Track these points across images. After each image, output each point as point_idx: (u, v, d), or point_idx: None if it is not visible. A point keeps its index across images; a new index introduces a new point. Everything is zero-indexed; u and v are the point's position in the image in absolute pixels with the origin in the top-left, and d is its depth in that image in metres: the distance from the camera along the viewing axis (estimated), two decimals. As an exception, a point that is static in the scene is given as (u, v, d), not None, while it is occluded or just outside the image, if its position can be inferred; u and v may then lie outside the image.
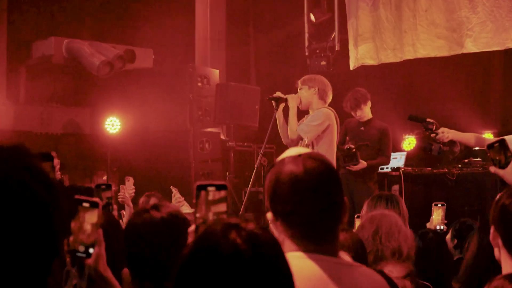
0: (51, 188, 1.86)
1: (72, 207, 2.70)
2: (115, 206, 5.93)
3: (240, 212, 9.16)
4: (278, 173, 3.02)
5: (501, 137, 4.61)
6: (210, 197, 3.09)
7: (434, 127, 7.22)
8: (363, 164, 10.20)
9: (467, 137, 7.15)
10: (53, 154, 7.14)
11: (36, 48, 15.83)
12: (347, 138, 10.21)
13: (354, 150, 9.76)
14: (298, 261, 2.84)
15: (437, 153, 7.40)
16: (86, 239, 3.21)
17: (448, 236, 6.92)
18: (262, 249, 2.10)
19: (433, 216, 7.05)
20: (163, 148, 14.53)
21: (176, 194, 8.56)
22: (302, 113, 9.55)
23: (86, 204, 3.22)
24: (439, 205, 7.00)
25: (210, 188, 3.14)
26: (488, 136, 13.07)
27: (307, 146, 8.87)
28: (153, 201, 9.08)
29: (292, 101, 9.02)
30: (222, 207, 3.09)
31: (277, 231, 3.01)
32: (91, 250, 3.19)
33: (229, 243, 2.08)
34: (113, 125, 15.01)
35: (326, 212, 2.98)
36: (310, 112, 9.29)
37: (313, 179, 2.95)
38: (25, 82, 16.09)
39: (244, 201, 9.49)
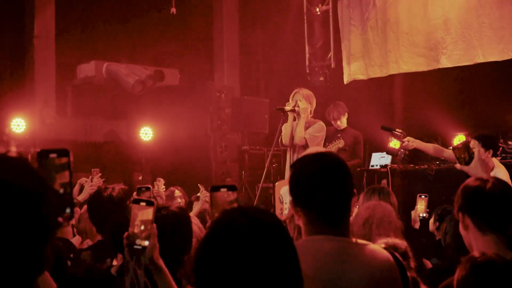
0: (40, 184, 1.88)
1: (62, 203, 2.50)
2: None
3: (254, 203, 9.35)
4: (301, 168, 3.17)
5: (465, 140, 4.78)
6: (225, 197, 3.33)
7: (402, 136, 7.49)
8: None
9: (428, 147, 7.34)
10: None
11: (80, 70, 15.87)
12: (326, 143, 10.19)
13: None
14: (317, 243, 3.05)
15: (402, 159, 7.56)
16: (141, 233, 3.30)
17: (431, 220, 7.08)
18: (264, 226, 2.15)
19: (417, 206, 7.22)
20: (188, 152, 14.60)
21: (203, 190, 8.78)
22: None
23: (143, 203, 3.33)
24: (423, 196, 7.17)
25: (222, 189, 3.42)
26: (461, 137, 13.33)
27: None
28: (176, 193, 9.32)
29: (304, 112, 9.27)
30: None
31: (297, 216, 3.14)
32: (146, 243, 3.28)
33: (237, 224, 2.13)
34: (146, 133, 15.15)
35: (339, 201, 3.09)
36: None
37: (328, 174, 3.09)
38: (71, 99, 16.16)
39: (257, 195, 9.67)
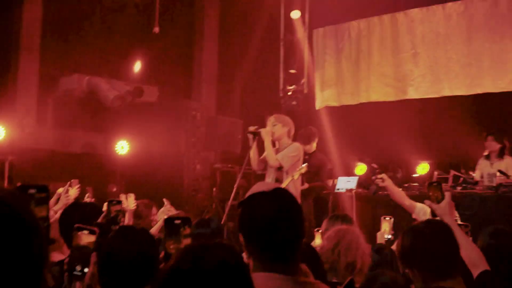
0: (31, 220, 1.74)
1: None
2: (122, 219, 6.12)
3: (222, 220, 9.30)
4: (252, 206, 3.05)
5: (439, 181, 4.77)
6: (181, 230, 3.34)
7: (377, 171, 7.48)
8: (305, 185, 10.57)
9: (395, 191, 7.34)
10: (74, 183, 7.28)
11: (63, 83, 15.89)
12: None
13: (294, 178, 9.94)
14: (261, 280, 2.84)
15: (373, 193, 7.54)
16: (82, 260, 3.30)
17: (393, 247, 7.06)
18: (230, 271, 2.11)
19: (382, 228, 7.25)
20: (162, 167, 14.50)
21: (167, 205, 8.69)
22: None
23: (85, 232, 3.37)
24: (387, 218, 7.07)
25: (177, 221, 3.37)
26: (424, 166, 13.38)
27: (286, 172, 9.15)
28: (153, 211, 9.25)
29: (266, 135, 9.13)
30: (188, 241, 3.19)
31: (246, 251, 3.04)
32: (85, 270, 3.29)
33: (199, 267, 2.07)
34: (122, 147, 15.16)
35: (288, 239, 2.98)
36: (277, 144, 9.52)
37: (279, 213, 2.97)
38: (52, 110, 16.13)
39: (226, 212, 9.65)
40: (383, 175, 7.29)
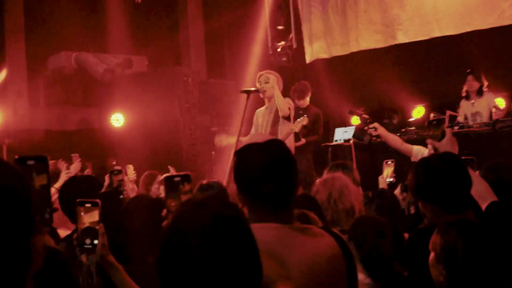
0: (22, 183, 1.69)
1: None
2: (126, 187, 6.10)
3: (225, 181, 9.27)
4: (245, 157, 3.05)
5: (440, 118, 4.73)
6: (181, 186, 3.24)
7: (368, 121, 7.42)
8: (302, 141, 10.57)
9: (389, 137, 7.29)
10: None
11: (51, 62, 15.88)
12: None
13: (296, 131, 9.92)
14: (261, 230, 2.72)
15: (367, 143, 7.49)
16: (90, 233, 3.32)
17: (397, 191, 7.02)
18: (224, 223, 2.12)
19: (384, 171, 7.22)
20: (159, 135, 14.41)
21: (173, 172, 8.66)
22: (259, 104, 9.81)
23: (88, 205, 3.35)
24: (389, 162, 7.07)
25: (176, 179, 3.34)
26: (420, 109, 13.33)
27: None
28: (158, 178, 9.24)
29: (275, 83, 9.27)
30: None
31: (241, 201, 3.03)
32: (95, 242, 3.30)
33: (195, 221, 2.09)
34: (117, 120, 15.11)
35: (285, 190, 2.98)
36: (266, 102, 9.55)
37: (272, 164, 2.95)
38: (43, 89, 16.11)
39: (227, 176, 9.62)
40: (375, 124, 7.27)
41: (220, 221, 2.12)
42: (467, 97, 11.23)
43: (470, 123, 10.74)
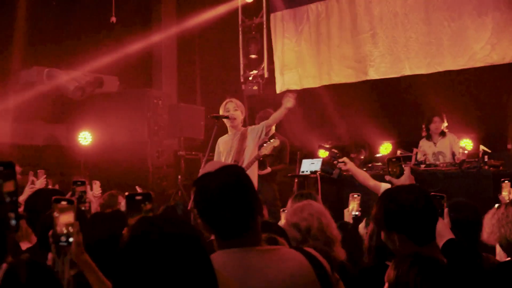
0: None
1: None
2: (87, 199, 6.05)
3: (189, 207, 9.22)
4: (201, 186, 3.02)
5: (398, 155, 4.77)
6: (142, 205, 3.29)
7: (338, 155, 7.42)
8: (268, 170, 10.61)
9: (358, 173, 7.30)
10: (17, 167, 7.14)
11: (22, 76, 15.72)
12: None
13: (261, 159, 9.89)
14: (224, 255, 2.93)
15: (336, 177, 7.51)
16: (65, 230, 3.33)
17: (362, 225, 7.03)
18: (177, 240, 2.12)
19: (350, 205, 7.21)
20: (126, 156, 14.41)
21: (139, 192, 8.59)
22: (222, 132, 9.77)
23: (63, 203, 3.36)
24: (355, 196, 7.04)
25: (138, 197, 3.35)
26: (387, 146, 13.40)
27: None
28: (120, 199, 9.16)
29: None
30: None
31: (204, 230, 3.01)
32: (70, 240, 3.32)
33: (149, 241, 2.08)
34: (85, 138, 14.94)
35: (239, 215, 2.95)
36: (230, 129, 9.48)
37: (226, 190, 2.95)
38: (13, 103, 15.98)
39: (192, 198, 9.55)
40: (345, 159, 7.27)
41: (169, 239, 2.11)
42: (428, 137, 11.35)
43: (431, 162, 10.85)
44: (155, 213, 3.32)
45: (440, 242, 3.80)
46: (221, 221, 2.95)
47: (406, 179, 4.50)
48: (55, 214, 3.37)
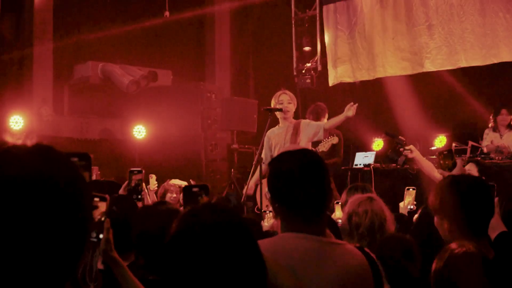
0: (78, 182, 1.65)
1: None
2: (145, 189, 6.04)
3: (242, 199, 9.22)
4: (279, 164, 3.05)
5: (450, 148, 4.68)
6: (199, 198, 3.27)
7: (404, 143, 7.31)
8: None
9: (424, 162, 7.17)
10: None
11: (77, 70, 15.84)
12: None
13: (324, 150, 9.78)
14: (292, 241, 2.93)
15: (402, 164, 7.41)
16: (97, 227, 3.30)
17: (416, 217, 6.97)
18: (225, 225, 2.13)
19: (405, 199, 7.14)
20: (180, 150, 14.46)
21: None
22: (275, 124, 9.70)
23: (96, 199, 3.30)
24: (411, 189, 6.99)
25: (195, 189, 3.32)
26: (442, 139, 13.22)
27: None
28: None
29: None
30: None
31: (275, 211, 3.06)
32: (101, 236, 3.29)
33: (192, 235, 2.09)
34: (139, 132, 15.02)
35: (316, 199, 2.97)
36: (281, 121, 9.48)
37: (305, 171, 2.97)
38: (68, 98, 16.12)
39: (244, 192, 9.55)
40: (411, 146, 7.15)
41: (212, 230, 2.11)
42: (495, 128, 11.19)
43: (493, 155, 10.66)
44: None
45: (493, 234, 3.77)
46: (295, 200, 2.96)
47: (458, 171, 4.41)
48: None
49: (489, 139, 11.20)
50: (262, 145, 9.34)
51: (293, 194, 2.95)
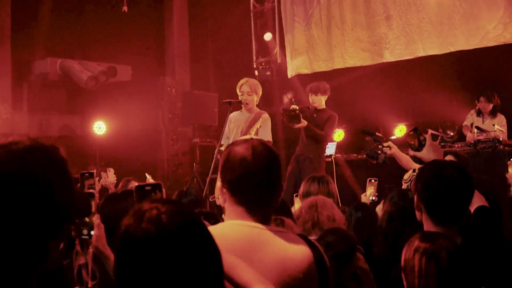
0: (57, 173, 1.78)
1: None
2: (96, 192, 5.96)
3: (203, 193, 9.19)
4: (231, 150, 3.03)
5: (415, 127, 4.64)
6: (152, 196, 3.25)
7: (383, 140, 7.30)
8: (303, 123, 10.03)
9: (402, 156, 7.18)
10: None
11: (35, 67, 15.71)
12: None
13: (297, 111, 9.77)
14: (232, 227, 2.94)
15: (382, 162, 7.39)
16: (87, 224, 3.34)
17: (379, 206, 6.97)
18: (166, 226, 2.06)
19: (367, 189, 7.13)
20: (142, 145, 14.40)
21: (150, 179, 8.59)
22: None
23: None
24: (373, 181, 7.00)
25: (148, 188, 3.31)
26: (401, 128, 13.27)
27: None
28: (132, 184, 9.18)
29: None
30: None
31: (222, 197, 3.03)
32: (92, 232, 3.33)
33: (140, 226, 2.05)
34: (100, 128, 14.87)
35: (262, 186, 2.96)
36: (247, 112, 9.50)
37: (257, 159, 2.95)
38: (27, 95, 15.97)
39: (206, 186, 9.52)
40: (389, 143, 7.15)
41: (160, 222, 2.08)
42: (478, 113, 11.37)
43: (475, 136, 10.74)
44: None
45: (471, 208, 3.86)
46: (244, 188, 2.96)
47: (429, 147, 4.38)
48: None
49: (470, 122, 11.45)
50: (223, 134, 9.38)
51: (242, 182, 2.96)
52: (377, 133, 7.45)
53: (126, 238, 2.07)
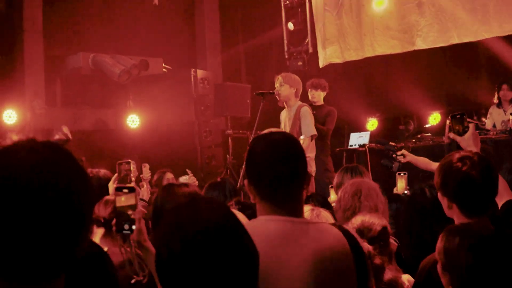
0: (82, 181, 1.78)
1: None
2: (133, 178, 6.02)
3: (238, 185, 9.15)
4: (253, 145, 3.03)
5: (462, 112, 4.57)
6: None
7: (395, 148, 7.23)
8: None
9: (418, 160, 7.10)
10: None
11: (68, 62, 15.78)
12: None
13: None
14: (263, 223, 2.90)
15: (397, 170, 7.33)
16: (128, 219, 3.34)
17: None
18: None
19: (398, 184, 7.03)
20: (174, 137, 14.45)
21: (191, 176, 8.60)
22: (276, 111, 9.62)
23: (125, 190, 3.36)
24: (402, 174, 6.91)
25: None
26: (436, 116, 13.12)
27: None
28: (167, 175, 9.18)
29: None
30: None
31: (251, 194, 3.01)
32: (133, 227, 3.31)
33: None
34: (133, 121, 15.01)
35: (283, 178, 2.92)
36: (286, 105, 9.42)
37: (275, 151, 2.93)
38: (60, 89, 16.04)
39: (240, 177, 9.49)
40: (403, 151, 7.08)
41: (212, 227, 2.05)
42: (499, 105, 11.18)
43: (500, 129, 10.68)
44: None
45: (500, 202, 3.81)
46: (268, 183, 2.94)
47: (470, 136, 4.29)
48: (117, 202, 3.38)
49: (493, 117, 11.23)
50: (256, 128, 9.35)
51: (266, 176, 2.93)
52: (390, 143, 7.40)
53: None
